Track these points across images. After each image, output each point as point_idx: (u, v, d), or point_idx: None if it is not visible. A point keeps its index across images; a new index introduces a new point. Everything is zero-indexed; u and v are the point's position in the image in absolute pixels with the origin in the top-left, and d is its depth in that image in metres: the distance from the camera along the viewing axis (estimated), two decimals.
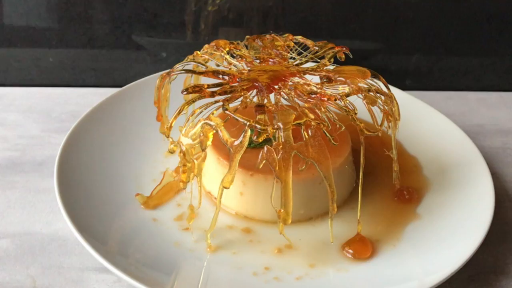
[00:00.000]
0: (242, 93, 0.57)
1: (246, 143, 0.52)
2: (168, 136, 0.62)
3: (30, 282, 0.56)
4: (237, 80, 0.59)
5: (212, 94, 0.57)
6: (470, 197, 0.64)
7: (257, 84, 0.58)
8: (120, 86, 0.77)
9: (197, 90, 0.57)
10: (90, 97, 0.83)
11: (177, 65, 0.63)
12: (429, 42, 0.93)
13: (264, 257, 0.58)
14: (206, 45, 0.66)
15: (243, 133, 0.52)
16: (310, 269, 0.57)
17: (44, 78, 0.90)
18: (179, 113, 0.56)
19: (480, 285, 0.59)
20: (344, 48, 0.66)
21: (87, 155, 0.66)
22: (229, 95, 0.56)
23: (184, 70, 0.62)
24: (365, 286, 0.55)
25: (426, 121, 0.77)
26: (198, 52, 0.66)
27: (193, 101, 0.57)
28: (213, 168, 0.64)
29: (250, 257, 0.58)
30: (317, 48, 0.67)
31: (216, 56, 0.64)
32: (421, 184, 0.68)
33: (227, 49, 0.65)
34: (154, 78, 0.78)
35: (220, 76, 0.61)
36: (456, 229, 0.60)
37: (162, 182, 0.64)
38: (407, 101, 0.80)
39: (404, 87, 0.83)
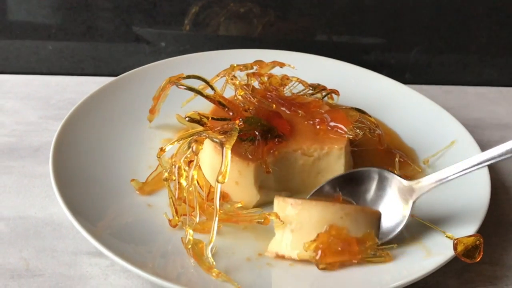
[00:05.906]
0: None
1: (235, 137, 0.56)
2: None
3: (23, 265, 0.56)
4: (240, 120, 0.60)
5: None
6: (466, 189, 0.64)
7: (256, 133, 0.61)
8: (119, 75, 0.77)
9: (198, 122, 0.60)
10: (89, 86, 0.83)
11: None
12: (428, 36, 0.93)
13: (258, 243, 0.58)
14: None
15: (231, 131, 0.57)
16: None
17: (43, 66, 0.89)
18: (177, 141, 0.59)
19: (475, 275, 0.59)
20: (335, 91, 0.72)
21: (83, 141, 0.66)
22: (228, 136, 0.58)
23: (191, 88, 0.64)
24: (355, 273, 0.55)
25: (424, 114, 0.77)
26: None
27: (193, 134, 0.59)
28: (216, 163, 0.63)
29: (244, 243, 0.58)
30: (311, 88, 0.72)
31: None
32: (418, 175, 0.67)
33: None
34: (150, 67, 0.79)
35: (226, 109, 0.63)
36: (451, 219, 0.60)
37: (157, 168, 0.63)
38: (406, 94, 0.80)
39: (403, 81, 0.83)
